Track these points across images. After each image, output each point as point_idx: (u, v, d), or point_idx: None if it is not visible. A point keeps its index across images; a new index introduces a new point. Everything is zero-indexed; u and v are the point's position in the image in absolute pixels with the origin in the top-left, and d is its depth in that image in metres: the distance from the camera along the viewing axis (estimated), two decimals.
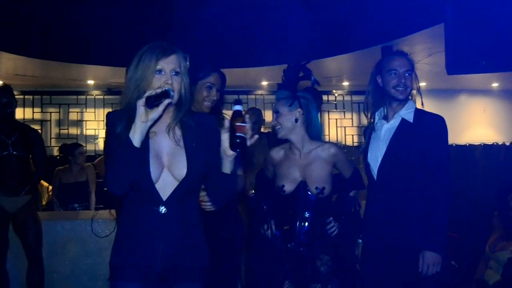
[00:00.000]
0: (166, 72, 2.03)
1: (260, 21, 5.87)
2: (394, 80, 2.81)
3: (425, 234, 2.70)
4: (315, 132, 2.95)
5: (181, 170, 2.07)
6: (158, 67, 2.02)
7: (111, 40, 6.50)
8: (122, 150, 1.95)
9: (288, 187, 2.83)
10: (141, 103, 1.91)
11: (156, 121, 2.02)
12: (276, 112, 2.91)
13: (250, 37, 5.90)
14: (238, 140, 1.95)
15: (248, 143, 1.98)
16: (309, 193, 2.82)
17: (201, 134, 2.14)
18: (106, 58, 7.11)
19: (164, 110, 1.97)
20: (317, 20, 6.13)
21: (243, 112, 2.01)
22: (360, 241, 2.97)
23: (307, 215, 2.80)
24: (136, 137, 1.94)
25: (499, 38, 3.13)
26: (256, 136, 2.04)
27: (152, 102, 1.91)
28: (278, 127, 2.89)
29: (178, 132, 2.12)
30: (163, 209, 2.05)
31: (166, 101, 1.94)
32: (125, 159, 1.95)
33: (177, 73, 2.05)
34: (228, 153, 2.02)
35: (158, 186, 2.05)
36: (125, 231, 2.11)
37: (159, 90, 1.94)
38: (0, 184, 4.26)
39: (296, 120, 2.87)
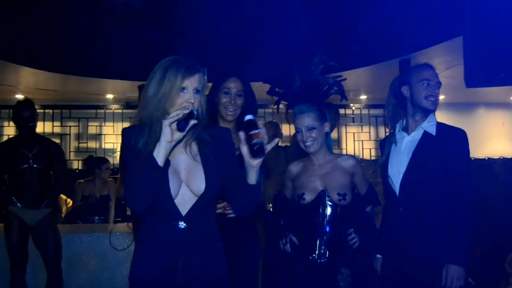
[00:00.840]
0: (189, 91, 2.03)
1: (278, 35, 5.89)
2: (426, 90, 2.80)
3: (449, 248, 2.67)
4: (328, 145, 2.95)
5: (200, 185, 2.07)
6: (184, 85, 2.01)
7: (130, 55, 6.57)
8: (145, 169, 1.94)
9: (308, 196, 2.80)
10: (167, 123, 1.91)
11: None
12: (309, 127, 2.83)
13: (268, 51, 5.92)
14: (256, 148, 1.96)
15: (269, 147, 2.00)
16: (329, 203, 2.79)
17: (217, 147, 2.14)
18: (125, 73, 7.18)
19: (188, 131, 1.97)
20: (334, 34, 6.14)
21: (255, 120, 2.02)
22: (379, 256, 2.94)
23: (327, 224, 2.77)
24: (160, 156, 1.93)
25: None
26: (277, 139, 2.07)
27: (183, 125, 1.92)
28: (311, 142, 2.83)
29: (194, 147, 2.13)
30: (182, 224, 2.06)
31: (192, 122, 1.95)
32: (149, 178, 1.94)
33: (198, 91, 2.05)
34: (252, 164, 2.01)
35: (177, 201, 2.06)
36: (144, 246, 2.11)
37: (186, 111, 1.93)
38: (20, 197, 4.32)
39: (327, 134, 2.87)
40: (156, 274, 2.05)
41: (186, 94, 2.02)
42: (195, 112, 1.97)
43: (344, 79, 3.08)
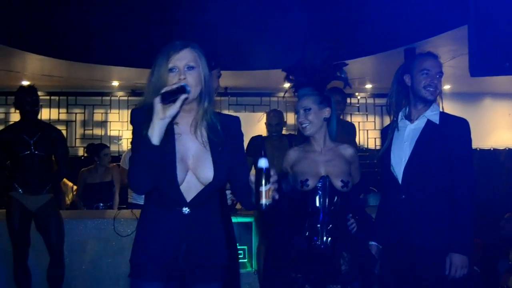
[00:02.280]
0: (180, 69, 2.02)
1: (281, 23, 5.88)
2: (425, 80, 2.80)
3: (452, 237, 2.68)
4: (331, 132, 2.94)
5: (207, 174, 2.06)
6: (170, 65, 2.01)
7: (136, 42, 6.58)
8: (142, 149, 1.94)
9: (312, 182, 2.82)
10: (157, 100, 1.90)
11: (176, 121, 2.04)
12: (306, 109, 2.84)
13: (272, 39, 5.92)
14: (264, 207, 1.89)
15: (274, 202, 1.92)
16: (333, 186, 2.80)
17: (227, 136, 2.13)
18: (131, 60, 7.20)
19: (181, 106, 1.94)
20: (339, 22, 6.12)
21: (270, 170, 1.92)
22: (374, 243, 2.96)
23: (330, 210, 2.78)
24: (154, 134, 1.91)
25: None
26: (276, 197, 1.95)
27: (167, 98, 1.89)
28: (307, 124, 2.84)
29: (204, 134, 2.10)
30: (186, 210, 2.06)
31: (183, 96, 1.91)
32: (145, 158, 1.94)
33: (191, 67, 2.03)
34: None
35: (182, 188, 2.05)
36: (147, 230, 2.11)
37: (174, 86, 1.92)
38: (22, 183, 4.34)
39: (325, 119, 2.87)
40: (158, 257, 2.06)
41: (177, 73, 2.01)
42: (188, 88, 1.95)
43: (346, 64, 3.07)
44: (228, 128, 2.15)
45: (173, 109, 1.92)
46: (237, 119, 2.23)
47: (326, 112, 2.86)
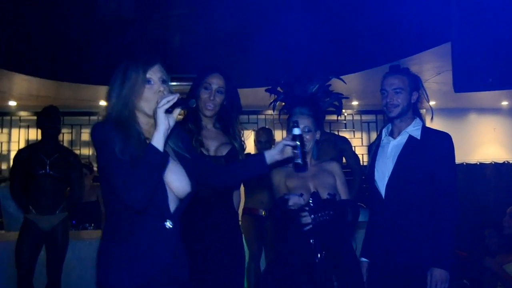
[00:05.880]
0: (155, 81, 2.04)
1: (268, 41, 5.94)
2: (385, 100, 2.88)
3: (432, 252, 2.70)
4: (313, 152, 2.97)
5: (184, 187, 2.08)
6: (147, 76, 2.03)
7: (122, 61, 6.58)
8: (146, 161, 1.87)
9: (305, 197, 2.82)
10: (162, 110, 1.90)
11: (147, 136, 2.05)
12: (307, 130, 2.83)
13: (258, 57, 5.97)
14: (300, 163, 2.37)
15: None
16: (321, 200, 2.81)
17: (186, 145, 2.20)
18: None
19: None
20: (325, 40, 6.19)
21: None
22: (364, 259, 2.96)
23: (322, 224, 2.77)
24: (161, 142, 1.89)
25: (505, 56, 3.15)
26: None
27: (169, 109, 1.93)
28: (306, 143, 2.81)
29: (169, 146, 2.11)
30: (169, 224, 2.03)
31: (178, 109, 1.97)
32: (154, 168, 1.88)
33: (164, 81, 2.06)
34: (278, 158, 2.35)
35: None
36: (125, 247, 1.99)
37: (175, 98, 1.93)
38: (35, 203, 4.36)
39: (316, 141, 2.91)
40: (142, 278, 1.98)
41: (154, 85, 2.04)
42: (192, 102, 2.00)
43: (347, 97, 3.14)
44: (182, 138, 2.21)
45: (172, 119, 1.93)
46: (185, 134, 2.32)
47: (317, 135, 2.91)
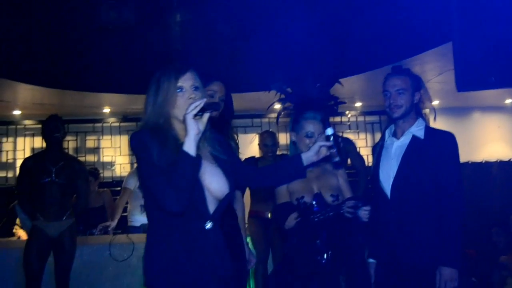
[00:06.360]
0: (187, 89, 2.09)
1: (271, 45, 5.95)
2: (387, 101, 2.88)
3: (440, 250, 2.70)
4: None
5: (223, 188, 2.13)
6: (178, 84, 2.08)
7: (126, 68, 6.62)
8: (181, 166, 1.94)
9: (307, 199, 2.86)
10: (191, 116, 1.96)
11: (182, 140, 2.06)
12: (317, 134, 2.89)
13: (262, 61, 5.98)
14: (337, 161, 2.45)
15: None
16: (325, 201, 2.84)
17: (223, 148, 2.24)
18: (121, 86, 7.22)
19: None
20: (327, 42, 6.19)
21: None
22: (371, 260, 2.97)
23: (327, 225, 2.79)
24: (193, 149, 1.95)
25: (507, 54, 3.16)
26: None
27: (197, 113, 1.98)
28: None
29: (206, 150, 2.19)
30: (209, 225, 2.09)
31: (215, 113, 2.10)
32: (187, 172, 1.94)
33: (196, 88, 2.11)
34: (314, 160, 2.36)
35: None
36: (168, 250, 2.06)
37: (202, 103, 1.99)
38: (42, 210, 4.39)
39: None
40: (195, 278, 2.05)
41: (186, 92, 2.09)
42: (220, 104, 2.07)
43: (344, 102, 3.16)
44: (219, 142, 2.26)
45: (201, 123, 2.00)
46: (222, 137, 2.36)
47: None
